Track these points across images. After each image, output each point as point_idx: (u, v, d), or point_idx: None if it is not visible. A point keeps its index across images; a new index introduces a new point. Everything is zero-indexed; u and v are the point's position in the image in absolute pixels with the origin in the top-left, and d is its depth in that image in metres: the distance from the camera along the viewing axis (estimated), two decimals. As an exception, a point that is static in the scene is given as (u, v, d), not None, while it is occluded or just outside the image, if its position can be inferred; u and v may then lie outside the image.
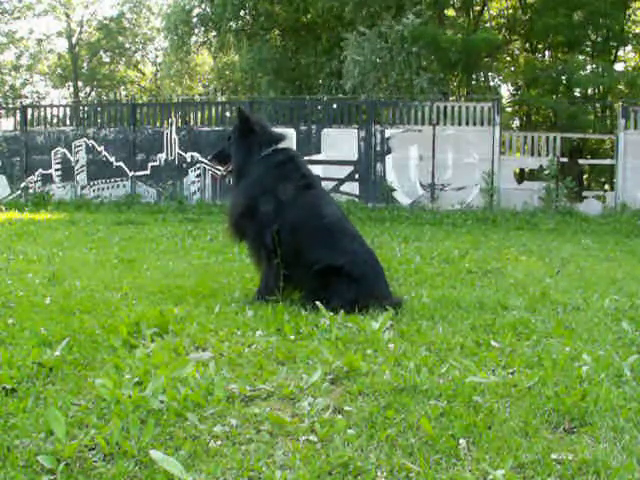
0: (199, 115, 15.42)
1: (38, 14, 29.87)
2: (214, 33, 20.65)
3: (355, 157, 14.32)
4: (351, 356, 2.93)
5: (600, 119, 18.04)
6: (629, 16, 18.65)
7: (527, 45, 20.32)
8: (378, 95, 15.33)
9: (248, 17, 21.14)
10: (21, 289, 4.54)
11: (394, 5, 16.42)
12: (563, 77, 16.09)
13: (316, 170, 13.62)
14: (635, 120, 13.70)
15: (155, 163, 15.15)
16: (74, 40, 30.45)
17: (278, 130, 4.75)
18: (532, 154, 14.10)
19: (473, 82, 19.45)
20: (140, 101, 20.11)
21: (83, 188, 15.36)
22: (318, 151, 14.40)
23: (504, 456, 2.07)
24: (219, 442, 2.16)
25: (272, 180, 4.35)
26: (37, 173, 15.55)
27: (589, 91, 18.87)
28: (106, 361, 2.91)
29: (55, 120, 15.90)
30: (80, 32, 30.70)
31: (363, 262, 4.15)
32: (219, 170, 4.82)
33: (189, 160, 15.08)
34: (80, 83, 31.12)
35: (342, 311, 3.79)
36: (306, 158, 14.22)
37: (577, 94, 18.39)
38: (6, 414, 2.31)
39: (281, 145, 4.49)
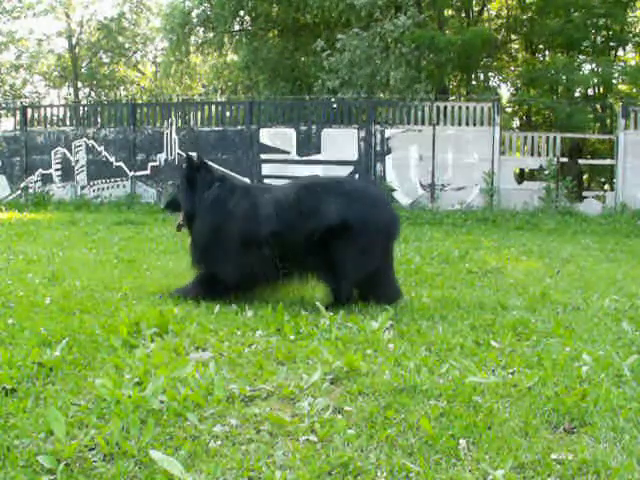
0: (199, 115, 15.41)
1: (38, 14, 29.81)
2: (213, 33, 20.63)
3: (355, 157, 14.31)
4: (351, 356, 2.92)
5: (600, 119, 18.00)
6: (629, 16, 18.59)
7: (527, 45, 20.29)
8: (373, 95, 15.27)
9: (247, 17, 21.13)
10: (21, 289, 4.54)
11: (392, 6, 16.37)
12: (562, 76, 16.01)
13: (316, 170, 13.61)
14: (635, 120, 13.67)
15: (155, 163, 15.14)
16: (74, 40, 30.39)
17: (220, 170, 4.66)
18: (532, 154, 14.08)
19: (473, 82, 19.41)
20: (140, 101, 20.06)
21: (83, 188, 15.34)
22: (318, 151, 14.38)
23: (504, 456, 2.07)
24: (219, 442, 2.16)
25: (214, 216, 4.30)
26: (37, 173, 15.53)
27: (589, 91, 18.83)
28: (106, 361, 2.91)
29: (55, 120, 15.88)
30: (80, 32, 30.64)
31: None
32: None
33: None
34: (80, 83, 31.06)
35: (342, 311, 3.79)
36: (306, 158, 14.26)
37: (577, 94, 18.36)
38: (6, 414, 2.31)
39: (223, 182, 4.45)
